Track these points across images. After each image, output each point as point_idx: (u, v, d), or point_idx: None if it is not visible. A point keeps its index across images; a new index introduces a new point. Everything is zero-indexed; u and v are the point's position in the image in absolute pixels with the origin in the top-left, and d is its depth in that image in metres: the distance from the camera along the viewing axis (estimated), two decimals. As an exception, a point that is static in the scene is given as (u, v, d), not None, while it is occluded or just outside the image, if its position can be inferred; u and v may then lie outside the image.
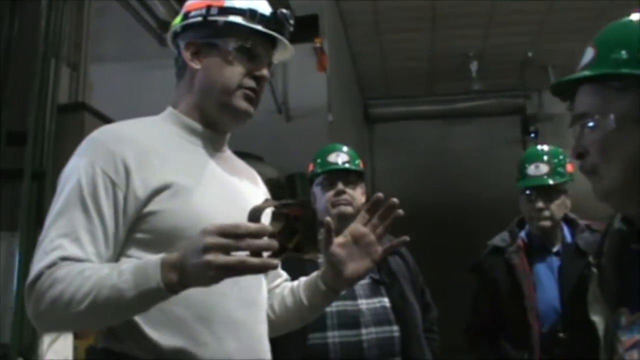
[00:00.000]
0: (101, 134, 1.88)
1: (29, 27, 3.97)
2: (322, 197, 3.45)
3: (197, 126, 1.97)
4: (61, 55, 3.97)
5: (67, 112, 3.96)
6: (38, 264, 1.69)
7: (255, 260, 1.50)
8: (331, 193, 3.41)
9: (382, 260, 3.35)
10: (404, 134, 12.62)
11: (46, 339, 3.60)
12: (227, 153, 2.09)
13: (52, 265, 1.67)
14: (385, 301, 3.26)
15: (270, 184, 2.25)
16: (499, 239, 3.76)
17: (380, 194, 1.96)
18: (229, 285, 1.71)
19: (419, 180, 12.12)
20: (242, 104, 1.95)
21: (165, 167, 1.81)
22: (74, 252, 1.69)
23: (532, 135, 12.04)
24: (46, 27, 3.91)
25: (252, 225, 1.53)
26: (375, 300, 3.25)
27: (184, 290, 1.61)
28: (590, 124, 1.56)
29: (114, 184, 1.75)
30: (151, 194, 1.77)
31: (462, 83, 11.37)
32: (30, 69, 3.85)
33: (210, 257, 1.48)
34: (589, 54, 1.60)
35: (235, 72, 1.94)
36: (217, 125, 2.00)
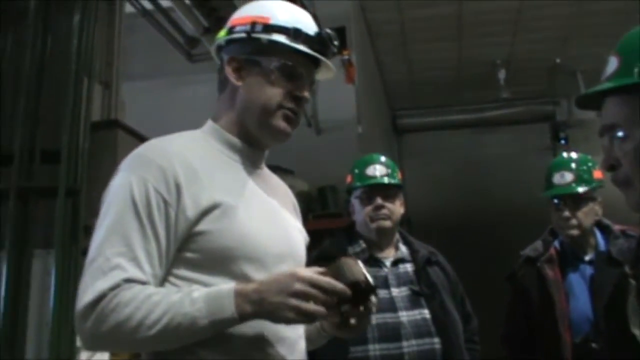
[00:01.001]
0: (149, 150, 1.85)
1: (61, 46, 4.01)
2: (360, 211, 3.44)
3: (238, 143, 1.97)
4: (93, 73, 4.01)
5: (100, 129, 3.99)
6: (97, 284, 1.67)
7: (324, 311, 1.67)
8: (370, 207, 3.40)
9: (422, 271, 3.37)
10: (433, 144, 12.58)
11: (83, 355, 3.63)
12: (265, 170, 2.09)
13: (115, 287, 1.66)
14: (426, 313, 3.25)
15: (302, 197, 2.26)
16: (531, 249, 3.73)
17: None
18: None
19: (450, 190, 12.07)
20: (281, 124, 1.94)
21: (213, 186, 1.81)
22: (134, 273, 1.68)
23: (563, 142, 11.95)
24: (78, 46, 3.95)
25: (339, 286, 1.68)
26: (416, 312, 3.24)
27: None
28: (620, 134, 1.52)
29: (166, 203, 1.74)
30: (201, 214, 1.76)
31: (490, 91, 11.31)
32: (63, 88, 3.89)
33: (296, 302, 1.63)
34: (613, 63, 1.55)
35: (276, 92, 1.93)
36: (257, 142, 1.99)
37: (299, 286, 1.63)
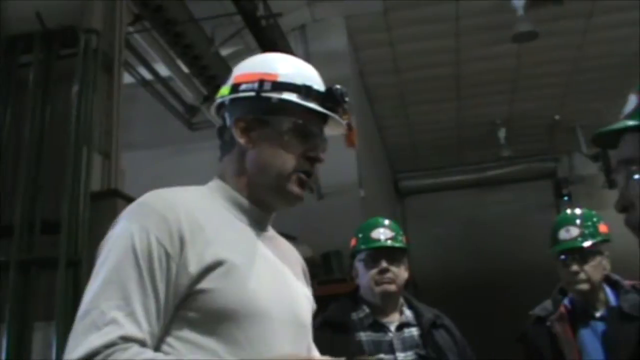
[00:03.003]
0: (152, 199, 1.76)
1: (60, 116, 4.02)
2: (365, 274, 3.40)
3: (247, 203, 1.86)
4: (92, 143, 4.00)
5: (100, 199, 3.96)
6: (90, 339, 1.56)
7: None
8: (374, 271, 3.36)
9: (428, 334, 3.31)
10: (436, 206, 12.60)
11: None
12: (272, 233, 1.99)
13: (110, 344, 1.55)
14: None
15: (305, 263, 2.21)
16: (541, 308, 3.68)
17: None
18: None
19: (454, 250, 12.05)
20: (296, 190, 1.85)
21: (217, 242, 1.71)
22: (131, 330, 1.57)
23: (566, 198, 11.96)
24: (77, 116, 3.95)
25: None
26: None
27: None
28: (637, 176, 1.48)
29: (168, 255, 1.64)
30: (204, 271, 1.66)
31: (491, 150, 11.38)
32: (62, 158, 3.88)
33: None
34: (633, 101, 1.53)
35: (290, 157, 1.83)
36: (266, 204, 1.90)
37: None
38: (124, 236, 1.67)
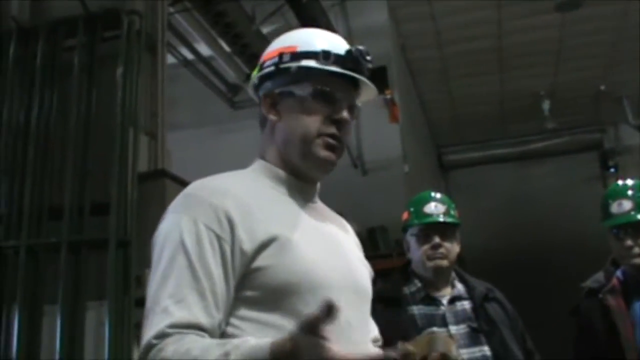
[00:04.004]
0: (197, 189, 1.79)
1: (106, 99, 4.06)
2: (417, 249, 3.38)
3: (288, 177, 1.89)
4: (139, 124, 4.04)
5: (147, 180, 4.00)
6: (148, 332, 1.60)
7: None
8: (427, 246, 3.35)
9: (480, 307, 3.30)
10: (480, 179, 12.50)
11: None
12: (319, 204, 2.01)
13: (160, 335, 1.58)
14: (486, 350, 3.16)
15: None
16: (593, 281, 3.64)
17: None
18: (342, 337, 1.66)
19: (499, 224, 11.95)
20: (323, 153, 1.85)
21: (267, 219, 1.72)
22: (180, 315, 1.60)
23: (612, 170, 11.80)
24: (122, 98, 3.99)
25: None
26: (476, 349, 3.16)
27: None
28: None
29: (219, 238, 1.66)
30: (258, 248, 1.67)
31: (535, 123, 11.23)
32: (109, 140, 3.93)
33: None
34: None
35: (313, 119, 1.84)
36: (304, 175, 1.91)
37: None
38: (172, 230, 1.70)
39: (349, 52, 1.87)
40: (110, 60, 4.12)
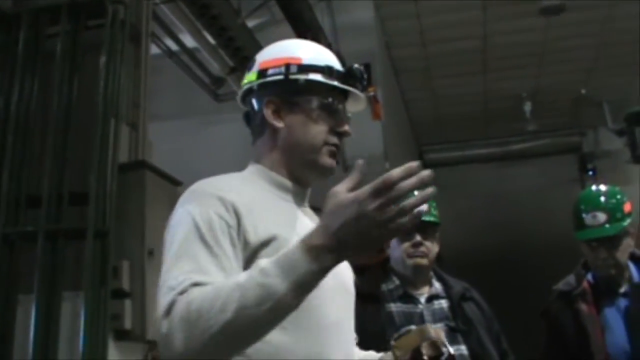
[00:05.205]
0: (203, 185, 1.87)
1: (88, 88, 4.04)
2: (397, 247, 3.39)
3: (287, 182, 1.99)
4: (120, 114, 4.01)
5: (127, 170, 3.99)
6: (166, 298, 1.57)
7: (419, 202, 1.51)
8: (408, 244, 3.35)
9: (458, 307, 3.32)
10: (461, 179, 12.54)
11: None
12: (307, 207, 2.10)
13: (183, 291, 1.56)
14: (463, 349, 3.18)
15: None
16: (564, 283, 3.65)
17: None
18: (334, 336, 1.81)
19: (478, 224, 12.01)
20: (328, 161, 1.98)
21: (268, 219, 1.81)
22: (204, 279, 1.59)
23: (591, 173, 11.90)
24: (104, 88, 3.96)
25: (397, 170, 1.52)
26: (453, 348, 3.17)
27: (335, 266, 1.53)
28: None
29: (229, 226, 1.73)
30: (260, 245, 1.75)
31: (517, 124, 11.31)
32: (90, 129, 3.90)
33: (377, 212, 1.45)
34: None
35: (319, 130, 1.97)
36: (303, 180, 2.03)
37: (370, 207, 1.45)
38: (184, 217, 1.75)
39: (350, 69, 2.02)
40: (94, 50, 4.10)
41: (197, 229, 1.71)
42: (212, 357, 1.50)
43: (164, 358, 1.56)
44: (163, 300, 1.59)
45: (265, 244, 1.75)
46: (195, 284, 1.57)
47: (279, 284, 1.47)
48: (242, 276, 1.52)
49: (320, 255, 1.49)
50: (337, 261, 1.51)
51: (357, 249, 1.50)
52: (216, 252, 1.68)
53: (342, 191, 1.49)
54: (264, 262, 1.52)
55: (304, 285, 1.50)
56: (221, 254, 1.68)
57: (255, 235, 1.75)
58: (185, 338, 1.49)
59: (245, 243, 1.74)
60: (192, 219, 1.73)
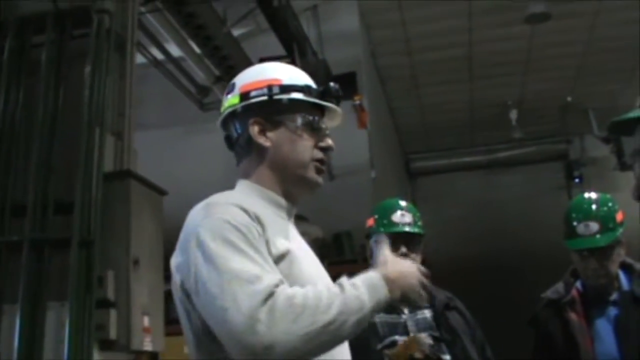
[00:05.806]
0: (220, 198, 1.93)
1: (73, 98, 4.04)
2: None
3: (281, 199, 2.06)
4: (105, 123, 4.00)
5: (112, 180, 3.97)
6: (248, 290, 1.66)
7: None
8: None
9: (442, 316, 3.31)
10: (447, 187, 12.58)
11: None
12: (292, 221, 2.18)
13: (278, 284, 1.70)
14: (447, 359, 3.17)
15: (317, 243, 2.31)
16: (553, 291, 3.62)
17: None
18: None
19: (465, 232, 12.03)
20: (315, 176, 2.06)
21: (279, 235, 1.91)
22: (270, 277, 1.71)
23: (577, 180, 11.93)
24: (90, 97, 3.96)
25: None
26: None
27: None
28: None
29: (259, 233, 1.82)
30: (278, 257, 1.84)
31: (503, 132, 11.34)
32: (75, 139, 3.90)
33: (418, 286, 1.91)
34: None
35: (306, 146, 2.04)
36: (292, 197, 2.09)
37: (419, 276, 1.91)
38: (217, 225, 1.80)
39: (327, 87, 2.10)
40: (79, 59, 4.10)
41: (236, 228, 1.78)
42: (304, 350, 1.65)
43: (245, 343, 1.63)
44: (239, 296, 1.66)
45: (281, 257, 1.85)
46: (282, 282, 1.72)
47: (368, 301, 1.74)
48: (334, 286, 1.77)
49: (394, 291, 1.82)
50: (396, 297, 1.84)
51: (403, 292, 1.87)
52: (258, 249, 1.78)
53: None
54: (347, 279, 1.79)
55: (380, 307, 1.79)
56: (266, 257, 1.79)
57: (275, 248, 1.85)
58: (286, 327, 1.63)
59: (270, 252, 1.83)
60: (227, 222, 1.79)
